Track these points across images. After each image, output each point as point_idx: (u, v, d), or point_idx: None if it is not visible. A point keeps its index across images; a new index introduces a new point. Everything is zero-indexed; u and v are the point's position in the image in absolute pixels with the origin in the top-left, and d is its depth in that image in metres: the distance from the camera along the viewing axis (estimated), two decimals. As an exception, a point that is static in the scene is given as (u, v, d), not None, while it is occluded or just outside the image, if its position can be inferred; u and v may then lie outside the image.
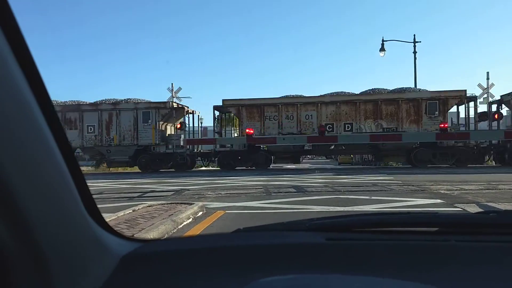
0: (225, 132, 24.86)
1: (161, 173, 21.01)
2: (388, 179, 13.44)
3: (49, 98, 0.79)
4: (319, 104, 21.93)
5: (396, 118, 21.34)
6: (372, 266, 0.91)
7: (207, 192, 10.24)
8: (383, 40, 27.91)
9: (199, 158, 24.83)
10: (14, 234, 0.69)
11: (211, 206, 7.58)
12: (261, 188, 10.87)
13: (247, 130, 22.05)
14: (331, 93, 23.14)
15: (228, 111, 23.74)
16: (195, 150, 24.52)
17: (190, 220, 6.21)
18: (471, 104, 22.04)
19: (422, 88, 22.50)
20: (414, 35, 28.39)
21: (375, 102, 21.54)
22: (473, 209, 6.69)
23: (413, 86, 25.66)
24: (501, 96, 22.27)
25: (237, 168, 22.42)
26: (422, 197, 8.38)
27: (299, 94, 23.34)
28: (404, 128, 21.20)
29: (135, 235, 4.57)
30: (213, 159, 24.13)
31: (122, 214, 6.25)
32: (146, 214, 6.23)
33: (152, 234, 4.76)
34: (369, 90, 22.98)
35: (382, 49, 27.97)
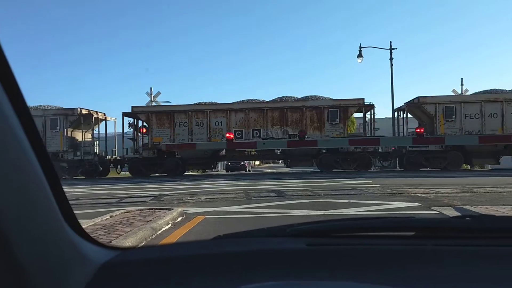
0: (142, 138, 24.59)
1: (140, 179, 20.75)
2: (367, 182, 13.61)
3: (26, 103, 0.77)
4: (228, 111, 22.51)
5: (301, 125, 22.19)
6: (352, 271, 0.91)
7: (186, 197, 10.16)
8: (360, 47, 28.32)
9: (112, 165, 24.73)
10: None
11: (191, 212, 7.52)
12: (241, 193, 10.85)
13: (228, 135, 22.06)
14: (241, 100, 23.87)
15: (137, 117, 23.77)
16: (108, 157, 24.57)
17: (169, 225, 6.15)
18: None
19: (325, 96, 23.41)
20: (390, 42, 29.10)
21: (282, 109, 22.43)
22: (449, 212, 6.83)
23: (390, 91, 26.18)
24: (404, 103, 23.15)
25: (152, 175, 22.52)
26: (400, 200, 8.51)
27: (219, 101, 23.82)
28: (308, 135, 22.03)
29: (113, 242, 4.49)
30: (125, 166, 24.18)
31: (100, 220, 6.14)
32: (124, 220, 6.14)
33: (130, 241, 4.68)
34: (277, 98, 23.86)
35: (360, 55, 28.37)
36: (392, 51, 27.95)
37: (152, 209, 7.41)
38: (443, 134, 21.10)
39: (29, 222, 0.74)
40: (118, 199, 10.29)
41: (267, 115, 22.33)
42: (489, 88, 22.75)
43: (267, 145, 22.10)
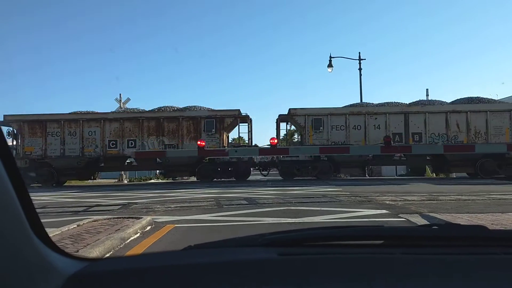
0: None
1: (107, 186, 20.31)
2: (337, 190, 13.78)
3: None
4: (102, 121, 22.46)
5: (177, 135, 22.47)
6: (322, 280, 0.92)
7: (156, 205, 10.00)
8: (330, 57, 28.87)
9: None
10: None
11: (160, 220, 7.41)
12: (212, 201, 10.78)
13: (199, 142, 21.91)
14: (119, 110, 24.32)
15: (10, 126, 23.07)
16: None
17: (138, 235, 6.03)
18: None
19: (202, 107, 23.73)
20: (359, 52, 29.61)
21: (158, 119, 22.55)
22: (416, 219, 6.99)
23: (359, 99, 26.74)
24: (289, 109, 23.15)
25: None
26: (369, 208, 8.65)
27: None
28: (185, 145, 22.36)
29: (80, 251, 4.37)
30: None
31: (66, 229, 5.97)
32: (92, 229, 5.98)
33: (97, 250, 4.57)
34: (156, 108, 23.94)
35: (330, 65, 28.91)
36: (361, 61, 28.62)
37: (120, 218, 7.25)
38: (312, 144, 21.94)
39: None
40: (86, 207, 10.03)
41: (143, 125, 22.32)
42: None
43: (238, 152, 22.06)
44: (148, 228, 6.60)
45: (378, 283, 0.91)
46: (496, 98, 26.08)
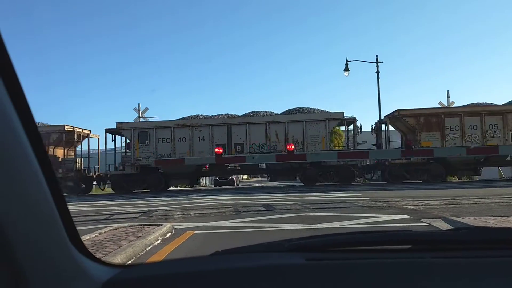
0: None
1: (127, 195, 20.55)
2: (356, 195, 13.65)
3: (34, 120, 0.77)
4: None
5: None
6: (352, 285, 0.91)
7: (175, 212, 10.06)
8: (347, 60, 28.70)
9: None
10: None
11: (180, 227, 7.45)
12: (230, 207, 10.79)
13: (217, 150, 22.05)
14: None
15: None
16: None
17: (159, 241, 6.07)
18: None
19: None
20: (377, 55, 29.39)
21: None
22: (438, 224, 6.87)
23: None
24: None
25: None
26: (389, 213, 8.53)
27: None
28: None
29: (102, 259, 4.41)
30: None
31: (88, 237, 6.04)
32: (113, 237, 6.05)
33: (120, 257, 4.61)
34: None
35: (346, 69, 28.73)
36: (379, 64, 28.38)
37: (141, 225, 7.32)
38: (139, 157, 22.43)
39: (34, 237, 0.74)
40: (107, 215, 10.15)
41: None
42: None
43: (256, 159, 22.08)
44: (169, 234, 6.64)
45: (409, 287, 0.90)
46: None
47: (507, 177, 26.24)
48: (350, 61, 28.81)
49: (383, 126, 23.91)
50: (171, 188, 25.29)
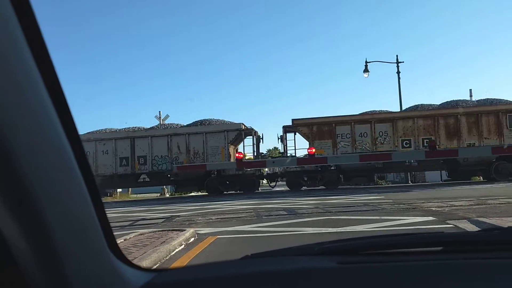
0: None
1: (149, 201, 20.82)
2: (379, 198, 13.49)
3: (75, 126, 0.79)
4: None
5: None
6: None
7: (197, 217, 10.13)
8: (366, 62, 28.48)
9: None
10: (44, 266, 0.72)
11: (202, 232, 7.50)
12: (251, 212, 10.80)
13: (237, 155, 22.22)
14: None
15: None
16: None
17: (183, 246, 6.13)
18: None
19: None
20: (397, 55, 29.18)
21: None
22: (464, 225, 6.74)
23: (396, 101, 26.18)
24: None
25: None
26: (414, 215, 8.41)
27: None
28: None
29: (137, 264, 4.49)
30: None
31: (113, 243, 6.14)
32: (138, 243, 6.13)
33: (145, 262, 4.68)
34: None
35: (366, 70, 28.51)
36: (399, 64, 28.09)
37: (164, 230, 7.41)
38: None
39: (75, 242, 0.76)
40: (131, 221, 10.30)
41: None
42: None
43: (276, 163, 22.09)
44: (192, 239, 6.70)
45: None
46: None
47: None
48: (369, 62, 28.60)
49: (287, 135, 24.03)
50: (192, 194, 25.53)
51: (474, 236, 1.23)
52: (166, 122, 29.28)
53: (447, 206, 9.54)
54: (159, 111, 31.03)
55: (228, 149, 22.59)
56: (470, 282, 0.92)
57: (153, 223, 9.59)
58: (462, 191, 14.83)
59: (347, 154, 21.75)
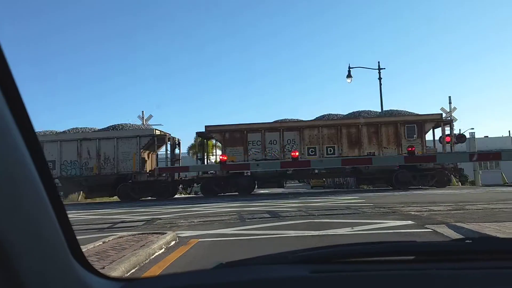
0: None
1: (130, 203, 20.58)
2: (360, 201, 13.61)
3: (31, 124, 0.77)
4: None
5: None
6: None
7: (179, 220, 10.05)
8: (349, 67, 28.75)
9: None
10: None
11: (184, 235, 7.44)
12: (234, 215, 10.77)
13: (222, 157, 22.24)
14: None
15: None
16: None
17: (163, 250, 6.07)
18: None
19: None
20: (379, 62, 29.46)
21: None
22: (443, 229, 6.84)
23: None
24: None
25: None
26: (393, 219, 8.50)
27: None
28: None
29: (105, 267, 4.42)
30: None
31: (92, 246, 6.05)
32: (117, 246, 6.05)
33: (123, 266, 4.61)
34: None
35: (349, 75, 28.78)
36: (381, 70, 28.43)
37: (145, 233, 7.31)
38: None
39: (34, 251, 0.73)
40: (110, 224, 10.15)
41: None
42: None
43: (261, 166, 22.11)
44: (173, 243, 6.63)
45: None
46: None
47: (510, 183, 26.23)
48: (352, 68, 28.91)
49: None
50: (175, 196, 25.34)
51: (446, 246, 1.24)
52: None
53: (426, 211, 9.67)
54: (142, 111, 30.63)
55: (140, 155, 22.55)
56: None
57: (133, 226, 9.47)
58: (441, 196, 15.06)
59: (330, 158, 21.93)
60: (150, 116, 30.45)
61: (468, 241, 1.18)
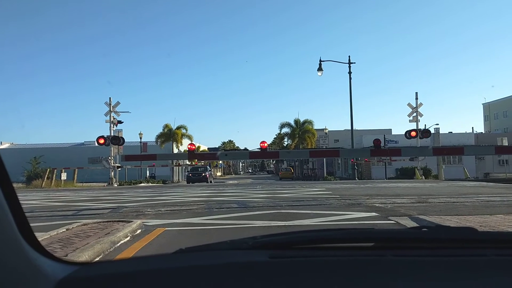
0: None
1: (96, 190, 20.17)
2: (327, 193, 13.83)
3: None
4: None
5: None
6: (314, 283, 0.92)
7: (146, 209, 9.94)
8: (320, 60, 28.97)
9: None
10: None
11: (150, 224, 7.36)
12: (203, 204, 10.74)
13: (189, 146, 22.10)
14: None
15: None
16: None
17: (128, 238, 5.99)
18: None
19: None
20: (349, 56, 29.74)
21: None
22: (405, 221, 7.04)
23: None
24: None
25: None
26: (358, 211, 8.69)
27: None
28: None
29: (69, 255, 4.32)
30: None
31: (55, 233, 5.90)
32: (81, 233, 5.93)
33: (87, 254, 4.53)
34: None
35: (320, 68, 29.02)
36: (351, 65, 28.79)
37: (110, 221, 7.20)
38: None
39: None
40: (75, 211, 9.93)
41: None
42: None
43: (229, 156, 22.11)
44: (139, 231, 6.55)
45: (369, 285, 0.92)
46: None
47: (472, 177, 27.30)
48: (323, 61, 29.15)
49: None
50: (142, 184, 25.00)
51: (404, 233, 1.28)
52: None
53: (389, 203, 9.93)
54: (109, 97, 29.38)
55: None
56: (396, 278, 0.96)
57: (98, 213, 9.30)
58: (404, 189, 15.49)
59: (300, 150, 22.22)
60: (118, 103, 29.52)
61: (424, 229, 1.22)
